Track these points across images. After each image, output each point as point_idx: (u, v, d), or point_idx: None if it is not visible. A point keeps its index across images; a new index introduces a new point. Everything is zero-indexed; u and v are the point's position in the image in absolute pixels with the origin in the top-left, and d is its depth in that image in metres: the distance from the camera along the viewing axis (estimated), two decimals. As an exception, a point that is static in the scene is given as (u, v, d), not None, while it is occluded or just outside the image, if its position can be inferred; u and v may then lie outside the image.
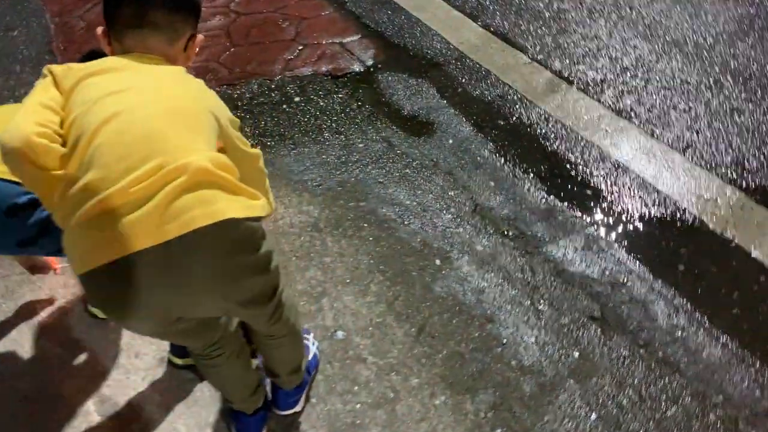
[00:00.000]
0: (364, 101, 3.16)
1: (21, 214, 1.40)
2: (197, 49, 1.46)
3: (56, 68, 1.26)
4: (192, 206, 1.07)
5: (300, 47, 3.63)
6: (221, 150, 1.43)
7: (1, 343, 2.01)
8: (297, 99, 3.20)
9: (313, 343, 1.96)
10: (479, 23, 3.70)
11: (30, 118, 1.15)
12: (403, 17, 3.84)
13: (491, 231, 2.42)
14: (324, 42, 3.66)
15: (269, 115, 3.09)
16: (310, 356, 1.90)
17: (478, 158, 2.78)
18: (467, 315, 2.11)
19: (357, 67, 3.44)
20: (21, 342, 2.01)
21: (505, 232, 2.42)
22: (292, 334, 1.55)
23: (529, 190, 2.60)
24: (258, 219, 1.19)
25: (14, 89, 3.48)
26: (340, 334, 2.05)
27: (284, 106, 3.15)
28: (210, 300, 1.21)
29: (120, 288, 1.10)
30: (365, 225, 2.44)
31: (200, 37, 1.44)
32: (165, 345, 1.97)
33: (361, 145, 2.87)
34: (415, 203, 2.54)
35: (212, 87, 3.24)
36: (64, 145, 1.14)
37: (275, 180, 2.66)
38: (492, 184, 2.64)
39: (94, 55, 1.42)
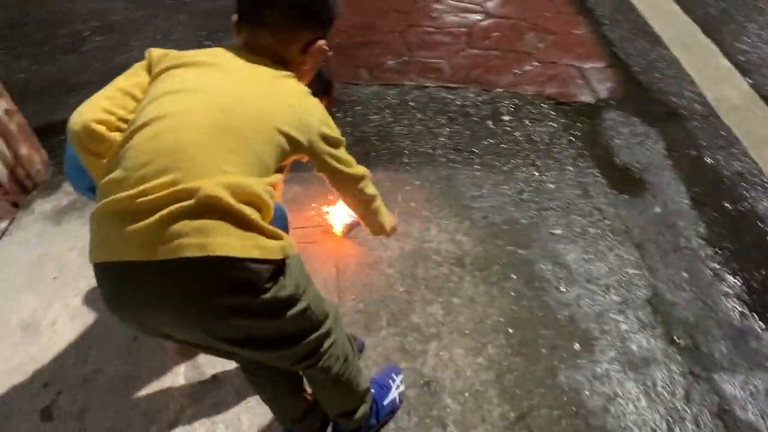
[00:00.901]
0: (578, 137, 2.83)
1: None
2: (321, 55, 1.36)
3: (155, 53, 1.26)
4: (187, 233, 0.98)
5: (534, 63, 3.37)
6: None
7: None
8: (506, 118, 2.98)
9: (398, 387, 1.79)
10: (748, 79, 3.09)
11: (98, 104, 1.18)
12: (659, 53, 3.36)
13: (659, 332, 2.00)
14: (562, 62, 3.36)
15: (470, 127, 2.92)
16: (387, 400, 1.74)
17: (681, 240, 2.32)
18: (582, 421, 1.76)
19: (586, 98, 3.10)
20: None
21: (676, 339, 1.98)
22: (336, 382, 1.41)
23: (727, 296, 2.10)
24: (272, 261, 1.06)
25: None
26: (433, 387, 1.85)
27: (489, 122, 2.95)
28: (190, 331, 1.12)
29: (111, 288, 1.09)
30: (514, 276, 2.17)
31: (320, 42, 1.33)
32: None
33: (551, 186, 2.57)
34: (582, 269, 2.20)
35: (429, 85, 3.20)
36: None
37: (442, 198, 2.50)
38: (685, 275, 2.18)
39: None
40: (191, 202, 0.99)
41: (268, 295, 1.07)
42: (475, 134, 2.88)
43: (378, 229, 1.67)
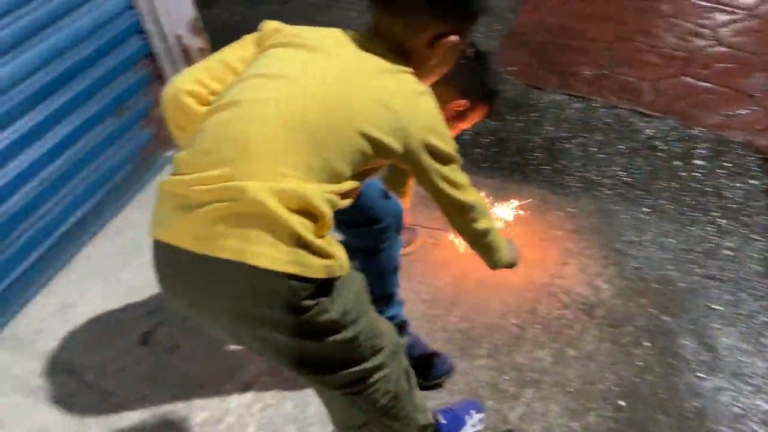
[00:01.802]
0: (780, 203, 2.40)
1: None
2: (453, 53, 1.20)
3: (268, 25, 1.19)
4: (229, 235, 0.94)
5: (753, 107, 2.92)
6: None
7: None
8: (699, 162, 2.60)
9: (474, 425, 1.64)
10: None
11: (194, 74, 1.16)
12: None
13: (808, 464, 1.64)
14: (787, 113, 2.86)
15: (653, 164, 2.59)
16: (461, 436, 1.60)
17: None
18: None
19: (806, 159, 2.61)
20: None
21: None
22: (383, 414, 1.27)
23: None
24: (312, 279, 0.97)
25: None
26: (514, 437, 1.68)
27: (677, 162, 2.60)
28: (221, 330, 1.08)
29: (160, 266, 1.08)
30: (647, 344, 1.89)
31: (452, 38, 1.15)
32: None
33: (728, 253, 2.20)
34: (732, 359, 1.86)
35: (622, 106, 2.89)
36: None
37: (594, 234, 2.25)
38: None
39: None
40: (238, 203, 0.94)
41: (305, 316, 0.98)
42: (656, 172, 2.55)
43: (489, 263, 1.49)
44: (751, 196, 2.44)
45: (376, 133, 1.03)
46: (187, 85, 1.15)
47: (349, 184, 1.06)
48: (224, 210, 0.94)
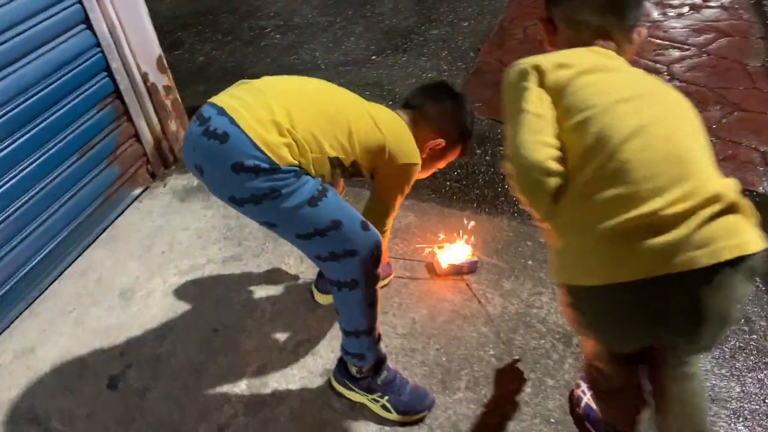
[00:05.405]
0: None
1: (242, 174, 1.39)
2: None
3: (544, 63, 1.19)
4: (721, 237, 1.00)
5: (711, 138, 3.00)
6: None
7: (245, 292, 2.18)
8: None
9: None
10: None
11: (536, 138, 1.11)
12: None
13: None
14: (744, 143, 2.96)
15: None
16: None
17: None
18: None
19: (765, 189, 2.69)
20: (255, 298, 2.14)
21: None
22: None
23: None
24: None
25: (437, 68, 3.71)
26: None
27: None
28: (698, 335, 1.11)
29: (637, 306, 1.09)
30: (624, 371, 1.89)
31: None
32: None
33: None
34: (709, 384, 1.87)
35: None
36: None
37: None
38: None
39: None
40: (718, 206, 1.01)
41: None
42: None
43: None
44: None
45: None
46: (545, 153, 1.10)
47: None
48: (707, 216, 1.00)
